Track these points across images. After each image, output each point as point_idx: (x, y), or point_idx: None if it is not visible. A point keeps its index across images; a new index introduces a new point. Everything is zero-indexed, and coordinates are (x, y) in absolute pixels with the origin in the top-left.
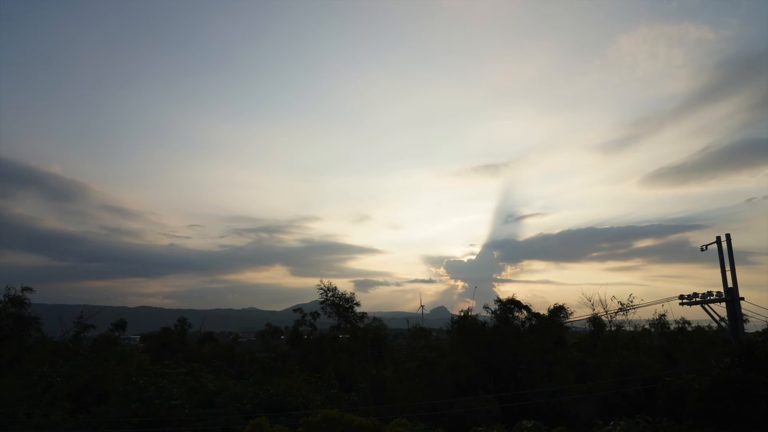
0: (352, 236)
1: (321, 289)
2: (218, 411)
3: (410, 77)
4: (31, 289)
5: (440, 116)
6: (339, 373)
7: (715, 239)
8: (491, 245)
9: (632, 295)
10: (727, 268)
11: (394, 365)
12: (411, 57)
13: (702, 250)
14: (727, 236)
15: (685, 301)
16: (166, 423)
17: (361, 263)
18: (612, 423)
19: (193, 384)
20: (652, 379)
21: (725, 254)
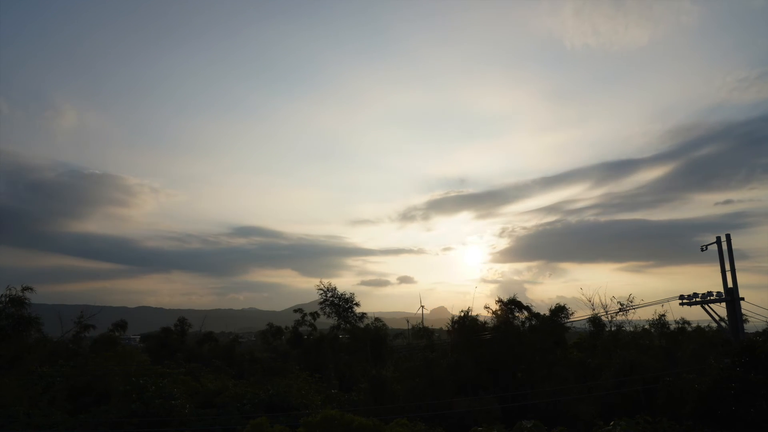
0: (386, 238)
1: (320, 289)
2: (218, 411)
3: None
4: (31, 289)
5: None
6: (339, 373)
7: (715, 239)
8: (521, 246)
9: (632, 295)
10: (727, 268)
11: (394, 365)
12: (502, 77)
13: (702, 250)
14: (727, 236)
15: (685, 301)
16: (166, 423)
17: (386, 265)
18: (612, 423)
19: (193, 384)
20: (652, 379)
21: (725, 254)
